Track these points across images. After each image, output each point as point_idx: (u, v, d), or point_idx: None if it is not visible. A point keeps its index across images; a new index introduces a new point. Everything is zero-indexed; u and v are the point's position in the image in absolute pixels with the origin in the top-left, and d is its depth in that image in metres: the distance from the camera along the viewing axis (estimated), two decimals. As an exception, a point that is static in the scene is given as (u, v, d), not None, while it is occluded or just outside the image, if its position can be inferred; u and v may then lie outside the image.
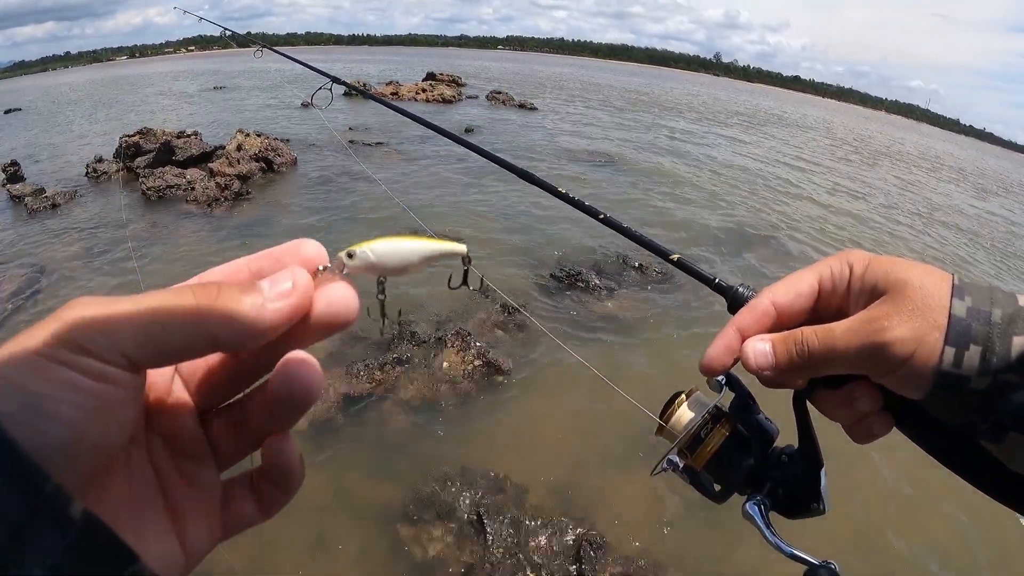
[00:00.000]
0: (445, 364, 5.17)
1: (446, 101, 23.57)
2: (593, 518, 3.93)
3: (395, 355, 5.20)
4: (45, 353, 0.32)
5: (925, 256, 10.30)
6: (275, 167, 11.61)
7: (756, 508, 0.72)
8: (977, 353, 0.55)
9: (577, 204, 1.07)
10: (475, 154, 1.61)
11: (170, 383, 0.44)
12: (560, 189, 1.16)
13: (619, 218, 0.96)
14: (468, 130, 16.69)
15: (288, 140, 12.72)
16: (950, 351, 0.55)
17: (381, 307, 0.53)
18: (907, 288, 0.58)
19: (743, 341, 0.67)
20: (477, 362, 5.22)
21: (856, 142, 31.97)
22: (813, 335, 0.62)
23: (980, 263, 11.52)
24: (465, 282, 0.63)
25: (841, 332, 0.60)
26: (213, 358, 0.45)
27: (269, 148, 11.81)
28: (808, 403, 0.71)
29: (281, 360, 0.42)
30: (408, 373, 5.06)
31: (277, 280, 0.41)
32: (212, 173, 10.61)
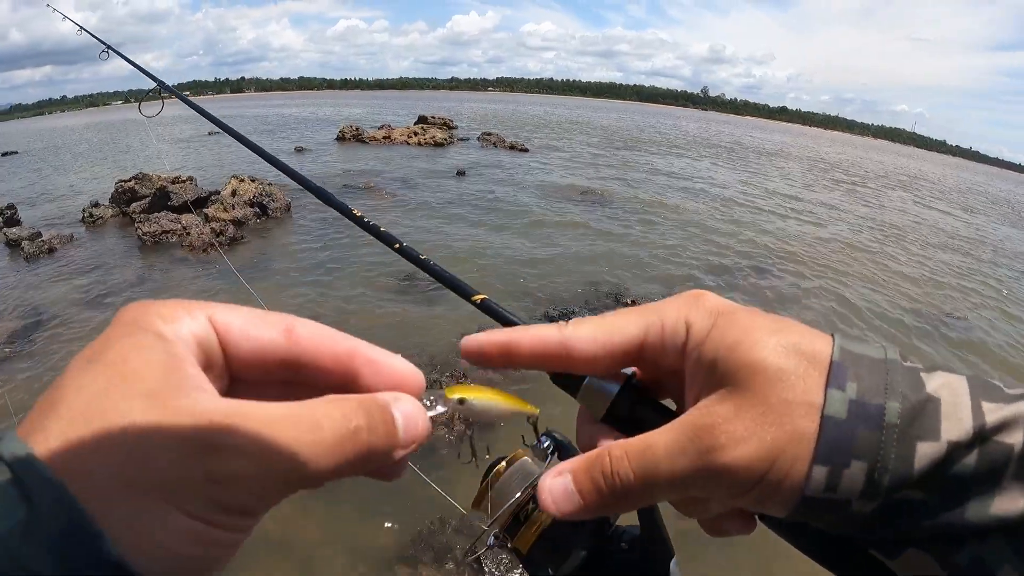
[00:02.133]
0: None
1: (438, 144, 23.72)
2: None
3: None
4: (203, 517, 0.30)
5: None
6: (269, 212, 11.71)
7: None
8: (861, 471, 0.38)
9: (373, 231, 0.98)
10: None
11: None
12: (356, 212, 1.08)
13: (416, 251, 0.93)
14: (460, 172, 16.82)
15: (282, 185, 12.84)
16: (820, 471, 0.39)
17: (471, 444, 0.60)
18: (757, 377, 0.41)
19: (500, 350, 0.48)
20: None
21: (834, 168, 32.17)
22: (625, 459, 0.43)
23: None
24: (536, 432, 0.64)
25: (665, 452, 0.42)
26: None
27: (263, 193, 11.91)
28: None
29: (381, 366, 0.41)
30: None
31: (410, 419, 0.39)
32: (207, 218, 10.70)
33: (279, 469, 0.32)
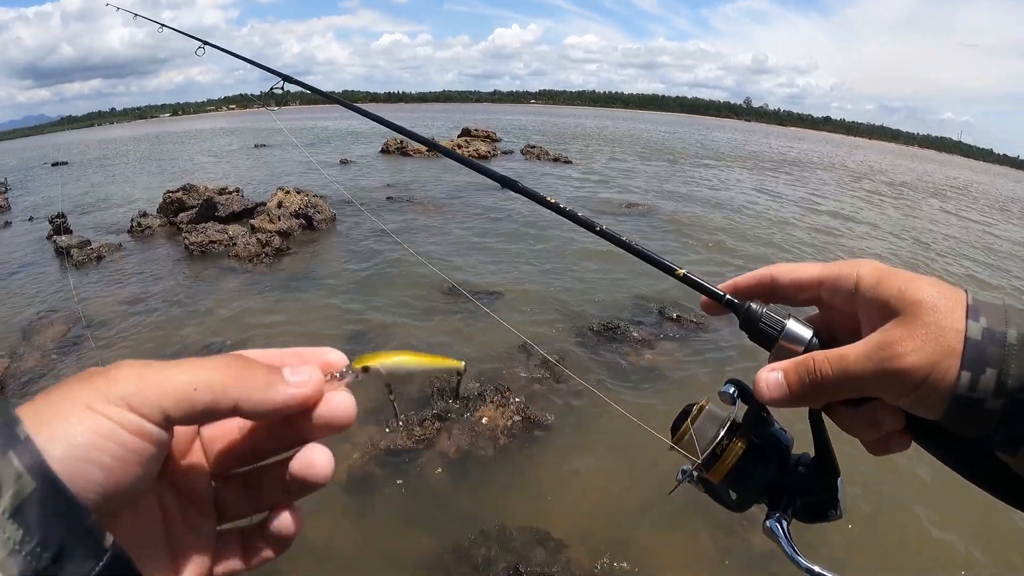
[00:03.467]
0: (484, 419, 5.16)
1: (482, 156, 23.72)
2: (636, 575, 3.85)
3: (434, 410, 5.19)
4: (93, 406, 0.38)
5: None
6: (315, 224, 11.79)
7: (777, 525, 0.72)
8: (993, 376, 0.54)
9: (572, 216, 1.05)
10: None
11: (191, 444, 0.51)
12: (549, 199, 1.15)
13: (617, 232, 0.94)
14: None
15: (326, 196, 12.92)
16: (966, 375, 0.54)
17: (393, 405, 0.60)
18: (920, 310, 0.57)
19: (756, 280, 0.74)
20: (516, 417, 5.20)
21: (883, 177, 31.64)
22: (825, 362, 0.61)
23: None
24: (457, 393, 0.72)
25: (855, 358, 0.60)
26: (234, 432, 0.52)
27: (309, 205, 12.01)
28: (824, 415, 0.70)
29: (305, 447, 0.48)
30: (447, 428, 5.05)
31: (297, 372, 0.47)
32: (253, 229, 10.83)
33: (158, 373, 0.41)
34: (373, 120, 1.76)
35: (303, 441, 0.49)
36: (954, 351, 0.55)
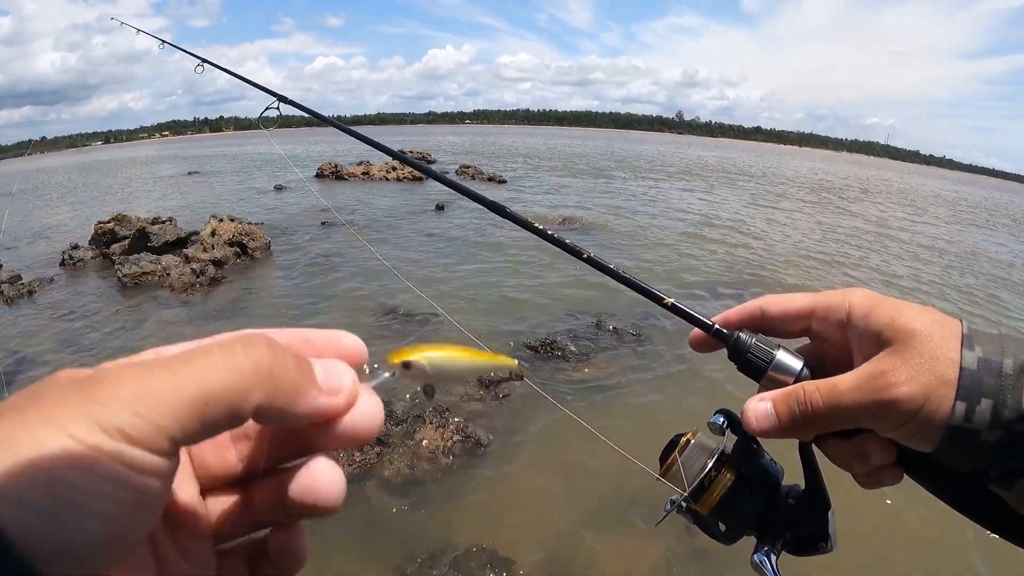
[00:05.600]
0: (425, 441, 5.17)
1: (416, 178, 23.81)
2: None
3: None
4: (83, 440, 0.28)
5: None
6: (249, 251, 11.70)
7: (765, 559, 0.71)
8: (988, 407, 0.54)
9: (560, 243, 0.99)
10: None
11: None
12: (538, 226, 1.10)
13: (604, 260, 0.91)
14: (440, 207, 16.88)
15: (262, 223, 12.84)
16: (961, 406, 0.54)
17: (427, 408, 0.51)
18: (915, 339, 0.57)
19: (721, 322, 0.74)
20: (457, 437, 5.23)
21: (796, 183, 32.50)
22: (816, 392, 0.61)
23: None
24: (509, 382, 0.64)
25: (846, 388, 0.59)
26: (225, 436, 0.43)
27: (243, 233, 11.90)
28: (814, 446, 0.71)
29: (309, 467, 0.39)
30: (388, 452, 5.04)
31: (331, 372, 0.39)
32: (187, 259, 10.68)
33: (159, 387, 0.31)
34: (377, 148, 1.72)
35: (308, 451, 0.40)
36: (949, 381, 0.55)
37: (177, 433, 0.31)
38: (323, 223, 14.36)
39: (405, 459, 5.00)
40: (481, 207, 1.20)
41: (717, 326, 0.74)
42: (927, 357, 0.56)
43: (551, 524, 4.45)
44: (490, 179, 24.80)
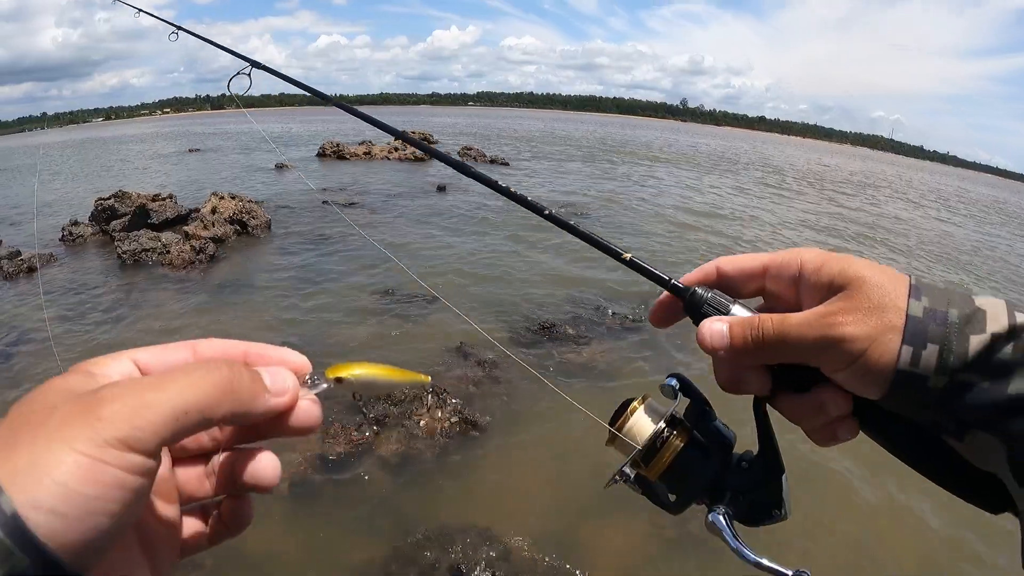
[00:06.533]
0: (422, 422, 5.20)
1: (418, 159, 23.71)
2: (579, 568, 3.91)
3: (372, 415, 5.21)
4: (91, 454, 0.35)
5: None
6: (250, 229, 11.70)
7: (720, 518, 0.71)
8: (934, 352, 0.56)
9: (519, 199, 1.03)
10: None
11: None
12: (501, 183, 1.11)
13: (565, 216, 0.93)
14: (441, 188, 16.88)
15: (262, 202, 12.81)
16: (907, 350, 0.56)
17: (360, 407, 0.64)
18: (864, 286, 0.59)
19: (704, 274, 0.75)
20: (454, 419, 5.25)
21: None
22: (769, 322, 0.63)
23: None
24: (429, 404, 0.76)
25: (796, 323, 0.62)
26: None
27: (243, 211, 11.90)
28: (768, 407, 0.71)
29: (257, 457, 0.50)
30: (385, 432, 5.07)
31: (275, 378, 0.49)
32: (187, 236, 10.67)
33: (149, 403, 0.39)
34: (378, 126, 1.65)
35: (261, 437, 0.53)
36: (895, 326, 0.57)
37: (165, 439, 0.39)
38: (325, 202, 14.32)
39: (402, 440, 5.02)
40: (485, 189, 1.18)
41: (674, 281, 0.75)
42: (875, 303, 0.58)
43: (546, 506, 4.48)
44: (492, 161, 24.69)
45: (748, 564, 0.68)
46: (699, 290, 0.72)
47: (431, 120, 67.30)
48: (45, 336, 7.24)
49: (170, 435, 0.39)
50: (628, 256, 0.82)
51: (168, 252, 10.14)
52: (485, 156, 25.42)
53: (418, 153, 23.94)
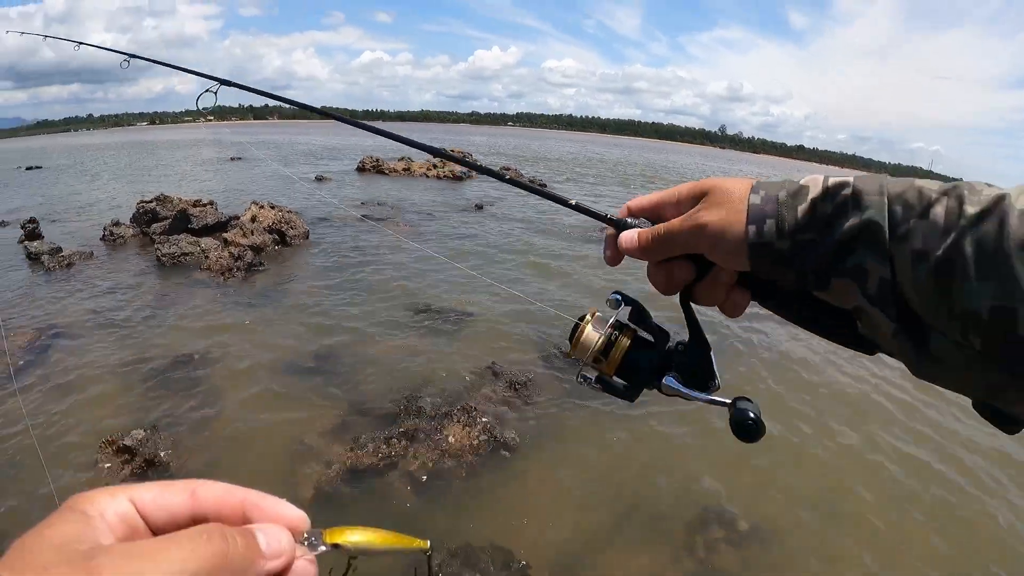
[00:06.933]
0: (451, 439, 5.19)
1: (456, 178, 23.84)
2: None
3: (401, 429, 5.22)
4: None
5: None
6: (288, 239, 11.82)
7: (672, 379, 0.86)
8: (772, 224, 0.71)
9: (486, 171, 1.23)
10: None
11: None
12: (479, 164, 1.34)
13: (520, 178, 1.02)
14: (479, 207, 16.99)
15: (300, 212, 12.92)
16: (752, 227, 0.72)
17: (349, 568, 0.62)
18: (716, 190, 0.77)
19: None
20: (483, 437, 5.23)
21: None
22: (661, 227, 0.82)
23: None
24: (430, 571, 0.83)
25: (676, 222, 0.79)
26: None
27: (282, 220, 12.02)
28: (691, 303, 0.86)
29: None
30: (414, 447, 5.07)
31: (271, 539, 0.47)
32: (226, 243, 10.79)
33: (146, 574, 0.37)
34: (410, 145, 1.67)
35: None
36: (740, 211, 0.73)
37: None
38: (363, 216, 14.40)
39: (431, 455, 5.01)
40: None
41: (611, 215, 0.91)
42: (724, 200, 0.75)
43: (571, 530, 4.44)
44: (530, 181, 24.57)
45: (701, 402, 0.84)
46: (630, 219, 0.88)
47: (470, 139, 67.70)
48: (79, 334, 7.30)
49: None
50: (574, 201, 1.01)
51: (207, 257, 10.27)
52: (523, 177, 25.47)
53: (457, 170, 24.09)
